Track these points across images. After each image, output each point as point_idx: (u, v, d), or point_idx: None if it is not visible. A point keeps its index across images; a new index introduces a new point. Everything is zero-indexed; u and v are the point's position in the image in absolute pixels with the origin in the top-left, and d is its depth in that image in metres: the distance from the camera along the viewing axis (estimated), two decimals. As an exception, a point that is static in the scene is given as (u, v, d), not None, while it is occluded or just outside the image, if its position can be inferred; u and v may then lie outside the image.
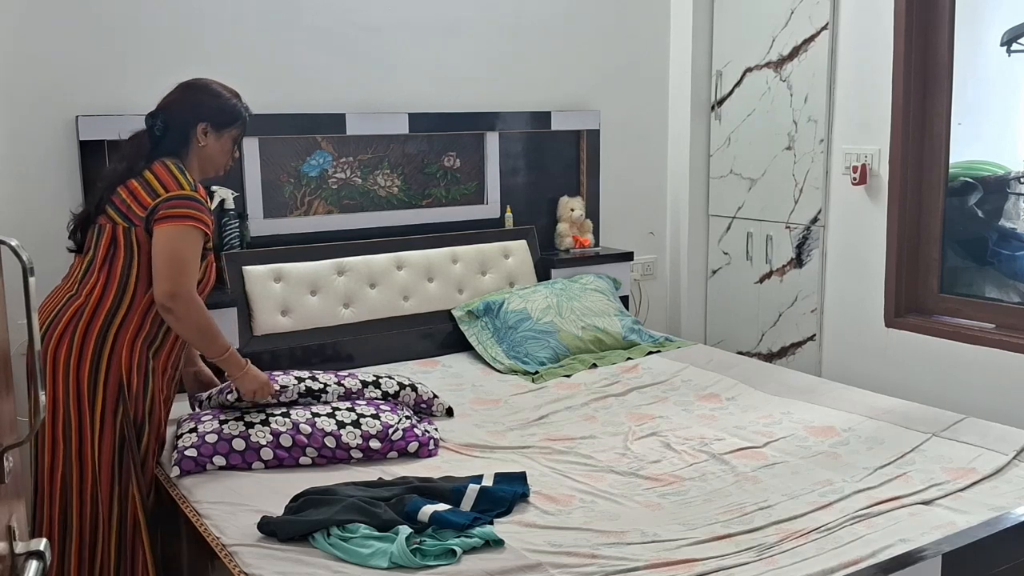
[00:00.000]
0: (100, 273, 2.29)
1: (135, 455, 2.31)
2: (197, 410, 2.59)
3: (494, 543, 1.88)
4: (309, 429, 2.38)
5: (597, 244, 3.97)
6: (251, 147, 3.20)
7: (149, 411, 2.35)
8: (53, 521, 2.31)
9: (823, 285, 3.68)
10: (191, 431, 2.39)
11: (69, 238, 2.41)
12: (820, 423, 2.59)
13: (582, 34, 3.89)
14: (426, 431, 2.50)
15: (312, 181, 3.37)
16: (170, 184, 2.29)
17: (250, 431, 2.36)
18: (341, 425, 2.42)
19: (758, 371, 3.10)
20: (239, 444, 2.34)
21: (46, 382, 2.26)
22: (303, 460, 2.37)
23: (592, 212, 3.95)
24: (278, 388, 2.51)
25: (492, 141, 3.69)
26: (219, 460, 2.31)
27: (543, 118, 3.78)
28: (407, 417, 2.55)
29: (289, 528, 1.93)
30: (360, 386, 2.65)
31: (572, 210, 3.84)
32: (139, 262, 2.29)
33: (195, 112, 2.40)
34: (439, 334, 3.44)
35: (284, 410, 2.45)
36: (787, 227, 3.79)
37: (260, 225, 3.26)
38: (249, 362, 2.45)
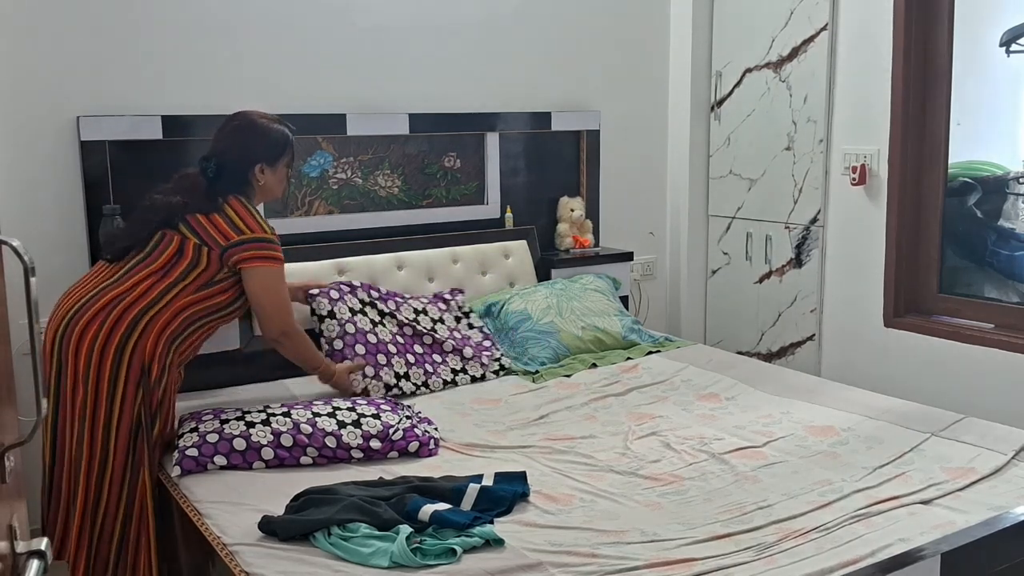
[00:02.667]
0: (156, 273, 2.45)
1: (149, 442, 2.35)
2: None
3: (494, 542, 1.88)
4: (310, 429, 2.39)
5: (597, 244, 3.97)
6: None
7: (161, 402, 2.42)
8: (70, 497, 2.37)
9: (822, 285, 3.69)
10: (192, 431, 2.40)
11: (106, 250, 2.58)
12: (819, 423, 2.60)
13: (582, 34, 3.90)
14: (426, 431, 2.51)
15: (313, 181, 3.37)
16: (252, 225, 2.52)
17: (251, 431, 2.37)
18: (342, 425, 2.42)
19: (758, 371, 3.11)
20: (240, 444, 2.34)
21: (69, 360, 2.37)
22: (304, 460, 2.37)
23: (592, 212, 3.95)
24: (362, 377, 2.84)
25: (492, 141, 3.70)
26: (220, 460, 2.32)
27: (543, 118, 3.78)
28: (407, 417, 2.55)
29: (290, 527, 1.93)
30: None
31: (572, 210, 3.85)
32: (199, 272, 2.47)
33: (250, 156, 2.59)
34: (439, 334, 3.44)
35: (285, 410, 2.46)
36: (786, 227, 3.80)
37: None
38: (337, 369, 2.80)
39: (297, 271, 3.20)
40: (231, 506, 2.12)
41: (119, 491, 2.35)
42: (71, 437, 2.36)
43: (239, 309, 2.59)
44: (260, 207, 2.75)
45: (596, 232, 3.96)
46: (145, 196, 2.61)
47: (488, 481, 2.15)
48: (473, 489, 2.08)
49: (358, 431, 2.42)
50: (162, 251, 2.47)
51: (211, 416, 2.46)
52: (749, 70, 3.89)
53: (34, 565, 1.03)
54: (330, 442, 2.38)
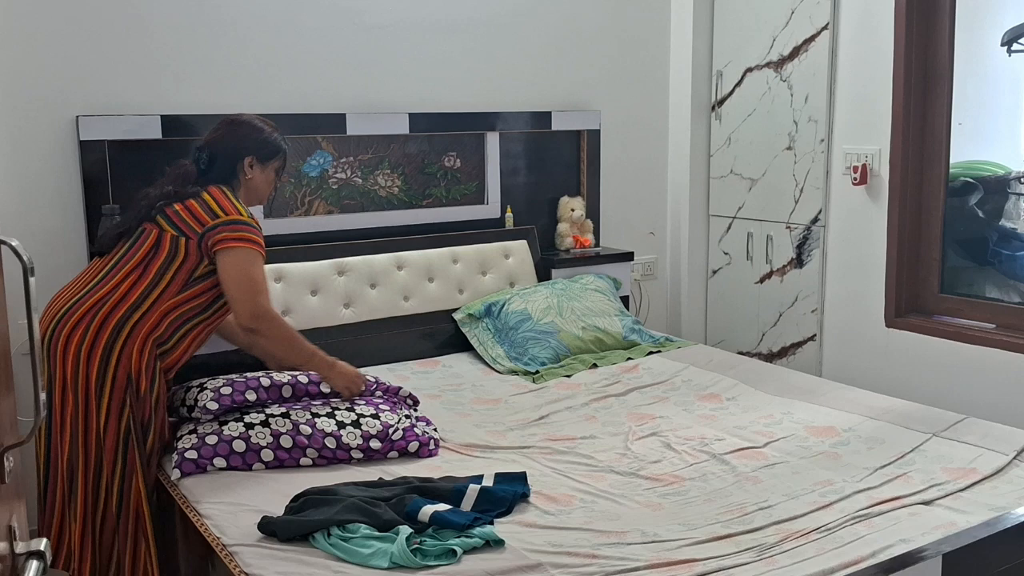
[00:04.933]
0: (135, 271, 2.43)
1: (141, 450, 2.34)
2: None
3: (494, 543, 1.88)
4: (309, 430, 2.39)
5: (597, 244, 3.97)
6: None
7: (155, 409, 2.41)
8: (66, 503, 2.36)
9: (823, 285, 3.68)
10: (191, 432, 2.39)
11: (98, 242, 2.58)
12: (820, 423, 2.59)
13: (582, 34, 3.89)
14: (426, 431, 2.50)
15: (312, 181, 3.37)
16: (228, 208, 2.46)
17: (250, 432, 2.37)
18: (341, 425, 2.42)
19: (758, 371, 3.10)
20: (239, 445, 2.34)
21: (57, 366, 2.36)
22: (303, 461, 2.37)
23: (592, 212, 3.95)
24: (371, 380, 2.64)
25: (492, 141, 3.69)
26: (219, 461, 2.32)
27: (543, 118, 3.78)
28: (407, 416, 2.55)
29: (290, 528, 1.93)
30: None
31: (572, 210, 3.84)
32: (178, 267, 2.43)
33: (241, 146, 2.58)
34: (439, 334, 3.44)
35: (284, 411, 2.46)
36: (787, 227, 3.79)
37: (261, 225, 3.25)
38: (336, 359, 2.60)
39: (297, 271, 3.20)
40: (231, 507, 2.12)
41: (108, 497, 2.34)
42: (63, 443, 2.35)
43: (223, 309, 2.55)
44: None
45: (596, 232, 3.96)
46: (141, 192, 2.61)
47: (488, 481, 2.14)
48: (473, 490, 2.07)
49: (358, 431, 2.41)
50: (140, 245, 2.45)
51: (210, 417, 2.45)
52: (750, 69, 3.88)
53: (33, 566, 1.03)
54: (330, 443, 2.38)
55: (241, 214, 2.48)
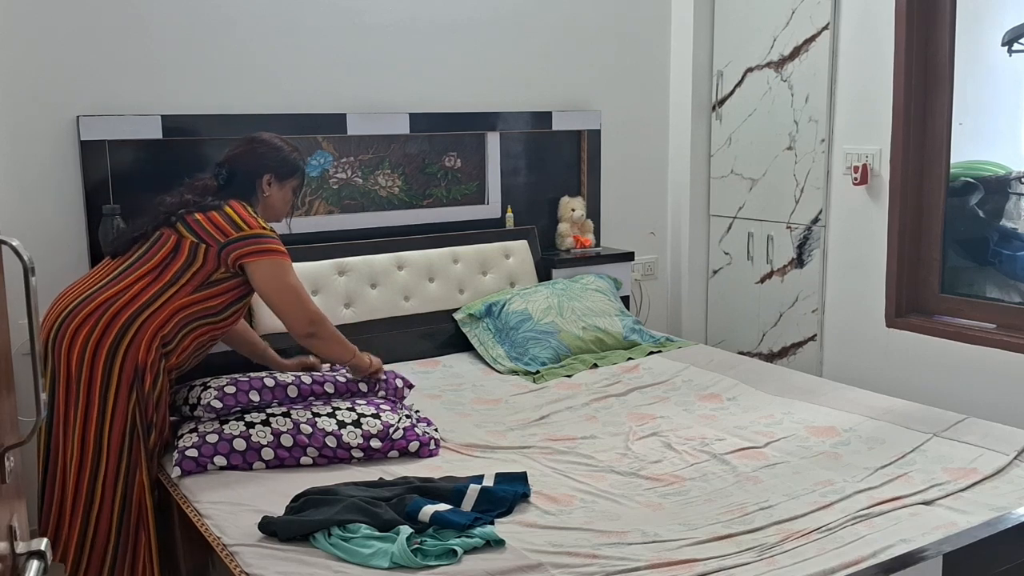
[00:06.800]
0: (150, 273, 2.45)
1: (145, 443, 2.35)
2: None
3: (495, 543, 1.88)
4: (310, 429, 2.39)
5: (598, 244, 3.97)
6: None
7: (156, 408, 2.41)
8: (64, 499, 2.37)
9: (824, 285, 3.68)
10: (191, 431, 2.39)
11: (111, 244, 2.62)
12: (821, 423, 2.59)
13: (582, 34, 3.89)
14: (427, 431, 2.51)
15: (313, 181, 3.37)
16: (251, 222, 2.50)
17: (251, 431, 2.37)
18: (342, 425, 2.42)
19: (759, 371, 3.10)
20: (240, 444, 2.34)
21: (61, 361, 2.36)
22: (304, 460, 2.37)
23: (593, 212, 3.94)
24: (386, 375, 2.72)
25: (493, 141, 3.69)
26: (220, 460, 2.32)
27: (544, 118, 3.78)
28: (407, 416, 2.55)
29: (290, 528, 1.93)
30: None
31: (573, 210, 3.84)
32: (195, 271, 2.45)
33: (261, 164, 2.62)
34: (440, 334, 3.44)
35: (284, 410, 2.46)
36: (788, 227, 3.79)
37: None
38: (366, 354, 2.70)
39: (298, 271, 3.17)
40: (231, 506, 2.12)
41: (113, 493, 2.35)
42: (64, 439, 2.35)
43: (231, 318, 2.56)
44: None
45: (597, 232, 3.96)
46: (155, 198, 2.62)
47: (489, 482, 2.14)
48: (474, 490, 2.07)
49: (358, 431, 2.41)
50: (158, 250, 2.46)
51: (212, 416, 2.45)
52: (750, 69, 3.88)
53: (34, 566, 1.03)
54: (330, 442, 2.38)
55: (263, 228, 2.51)
